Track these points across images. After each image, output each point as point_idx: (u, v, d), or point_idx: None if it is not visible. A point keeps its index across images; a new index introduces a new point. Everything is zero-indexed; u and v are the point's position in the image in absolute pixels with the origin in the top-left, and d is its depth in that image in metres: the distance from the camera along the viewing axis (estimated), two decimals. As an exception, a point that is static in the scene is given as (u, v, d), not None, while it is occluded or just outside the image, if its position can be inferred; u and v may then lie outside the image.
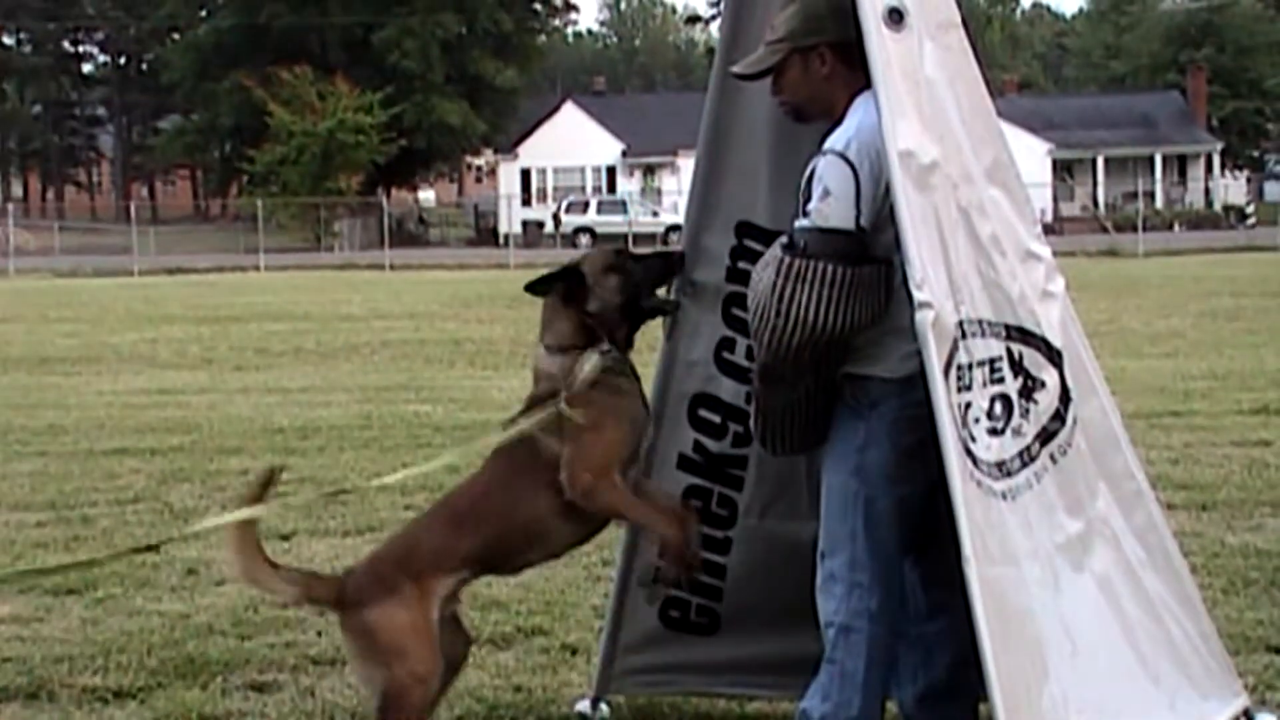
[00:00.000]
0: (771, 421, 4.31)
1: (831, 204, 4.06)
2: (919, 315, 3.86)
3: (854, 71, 4.19)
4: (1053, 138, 63.82)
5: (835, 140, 4.15)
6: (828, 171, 4.09)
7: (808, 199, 4.14)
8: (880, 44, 3.98)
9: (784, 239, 4.15)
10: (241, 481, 9.76)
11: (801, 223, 4.12)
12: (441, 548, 4.43)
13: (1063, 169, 65.95)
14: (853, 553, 4.20)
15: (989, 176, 4.21)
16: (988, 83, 4.36)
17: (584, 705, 5.25)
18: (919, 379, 3.91)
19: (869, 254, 4.08)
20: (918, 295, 3.85)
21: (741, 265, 4.72)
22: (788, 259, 4.05)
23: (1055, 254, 4.41)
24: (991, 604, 3.82)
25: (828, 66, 4.28)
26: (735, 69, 4.48)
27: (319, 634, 6.22)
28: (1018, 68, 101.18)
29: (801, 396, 4.23)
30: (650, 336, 4.81)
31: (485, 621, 6.32)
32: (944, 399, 3.85)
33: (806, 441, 4.35)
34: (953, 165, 4.09)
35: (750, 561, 4.95)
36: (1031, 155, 57.58)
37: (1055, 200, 61.82)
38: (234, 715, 5.32)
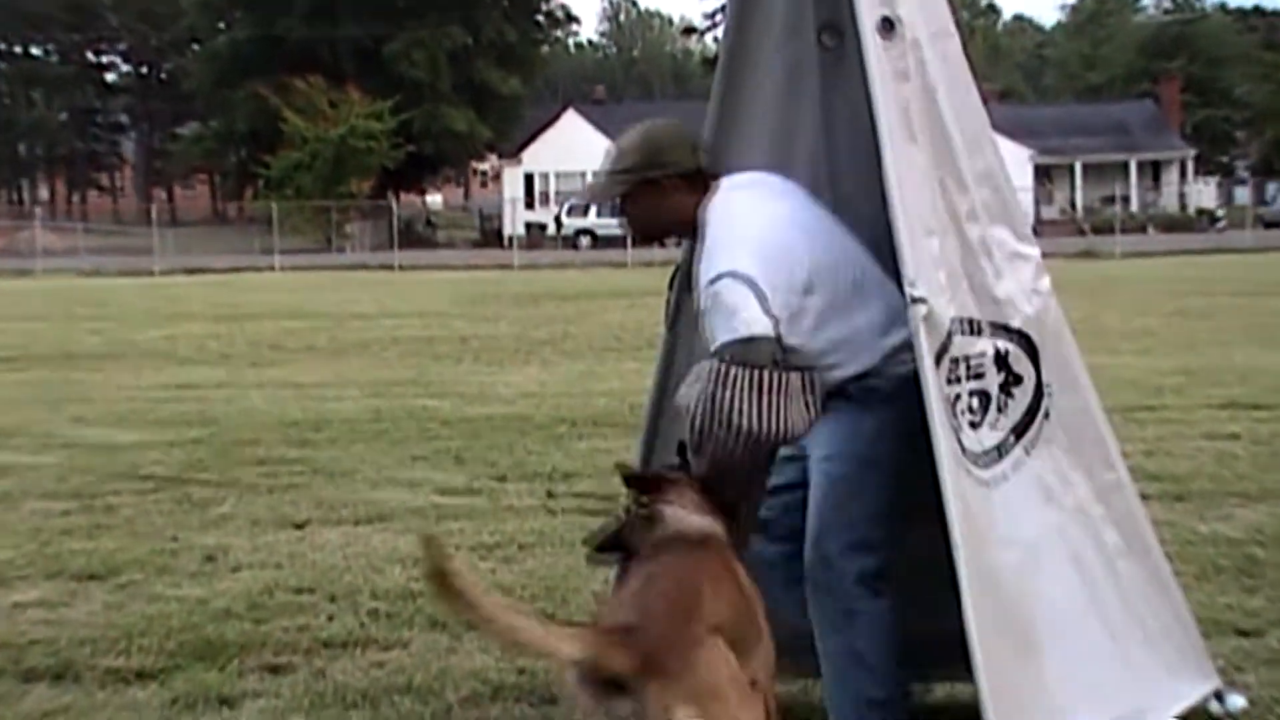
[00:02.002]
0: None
1: (742, 318, 3.95)
2: (911, 310, 3.87)
3: (696, 192, 4.21)
4: (1033, 144, 63.84)
5: (715, 265, 4.02)
6: (726, 296, 3.97)
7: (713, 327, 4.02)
8: (873, 52, 3.98)
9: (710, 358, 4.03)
10: (257, 472, 9.76)
11: (721, 340, 3.98)
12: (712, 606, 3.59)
13: (1043, 174, 65.98)
14: (863, 534, 4.13)
15: (980, 180, 4.22)
16: (980, 89, 4.36)
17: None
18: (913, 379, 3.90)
19: (790, 363, 4.01)
20: (911, 291, 3.86)
21: None
22: (721, 366, 3.92)
23: (1038, 256, 4.42)
24: (980, 588, 3.81)
25: (673, 196, 4.24)
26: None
27: (329, 619, 6.22)
28: (999, 77, 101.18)
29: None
30: (650, 333, 4.79)
31: (490, 606, 6.31)
32: (934, 389, 3.86)
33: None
34: (945, 169, 4.09)
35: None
36: (1013, 161, 56.96)
37: (1036, 204, 61.83)
38: (249, 696, 5.30)
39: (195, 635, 5.98)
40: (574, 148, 67.48)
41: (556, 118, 70.86)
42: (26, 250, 51.38)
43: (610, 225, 58.17)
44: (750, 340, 3.93)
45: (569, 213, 61.93)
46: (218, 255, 51.39)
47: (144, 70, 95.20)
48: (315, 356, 18.31)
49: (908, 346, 3.95)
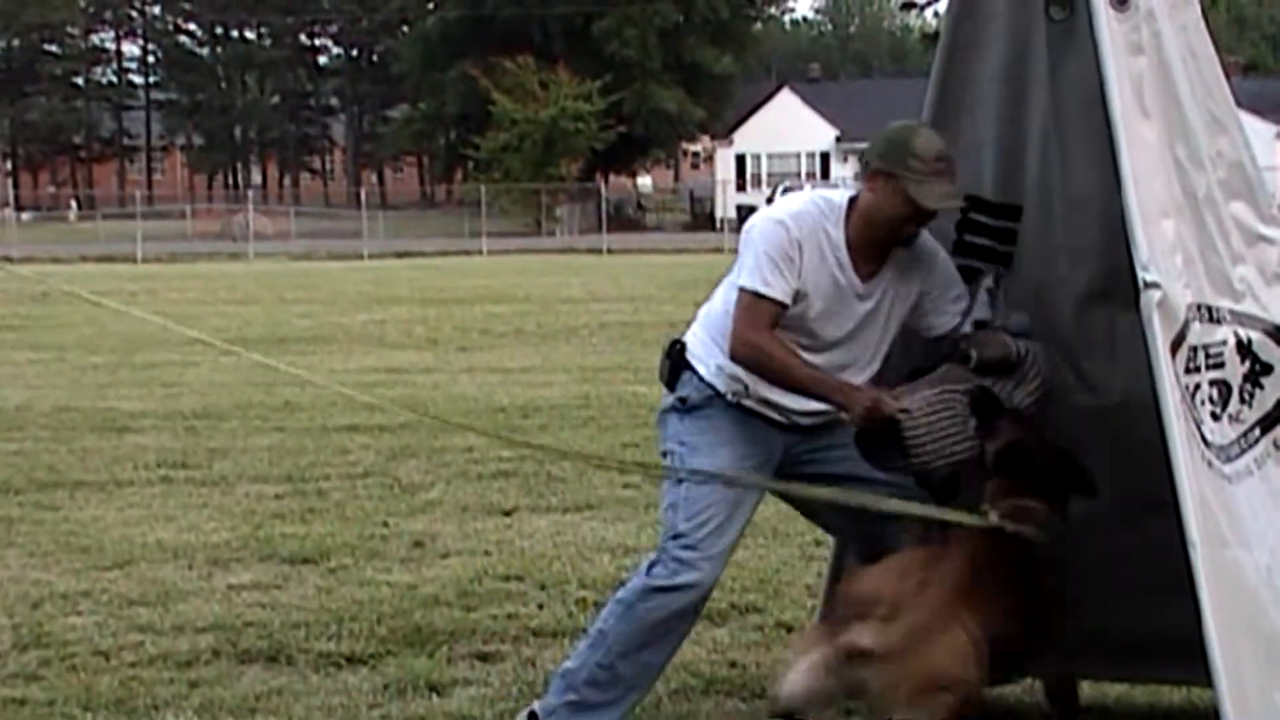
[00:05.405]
0: None
1: None
2: (1145, 296, 3.78)
3: None
4: (1280, 120, 61.60)
5: None
6: None
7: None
8: (1104, 25, 3.91)
9: None
10: (465, 458, 9.93)
11: None
12: None
13: (1290, 152, 63.59)
14: None
15: (1220, 158, 4.10)
16: (1222, 62, 4.24)
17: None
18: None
19: None
20: (1144, 275, 3.77)
21: (967, 238, 4.68)
22: None
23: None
24: (1222, 589, 3.69)
25: None
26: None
27: (540, 607, 6.32)
28: (1244, 49, 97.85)
29: None
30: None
31: (700, 598, 6.35)
32: (1169, 379, 3.76)
33: None
34: (1181, 147, 4.00)
35: None
36: (1259, 138, 55.67)
37: (1283, 184, 59.71)
38: (459, 684, 5.41)
39: (405, 621, 6.13)
40: (788, 128, 67.31)
41: (770, 97, 70.67)
42: (240, 234, 53.05)
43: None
44: None
45: (782, 194, 61.60)
46: (426, 238, 52.38)
47: (355, 53, 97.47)
48: (523, 341, 18.59)
49: None
